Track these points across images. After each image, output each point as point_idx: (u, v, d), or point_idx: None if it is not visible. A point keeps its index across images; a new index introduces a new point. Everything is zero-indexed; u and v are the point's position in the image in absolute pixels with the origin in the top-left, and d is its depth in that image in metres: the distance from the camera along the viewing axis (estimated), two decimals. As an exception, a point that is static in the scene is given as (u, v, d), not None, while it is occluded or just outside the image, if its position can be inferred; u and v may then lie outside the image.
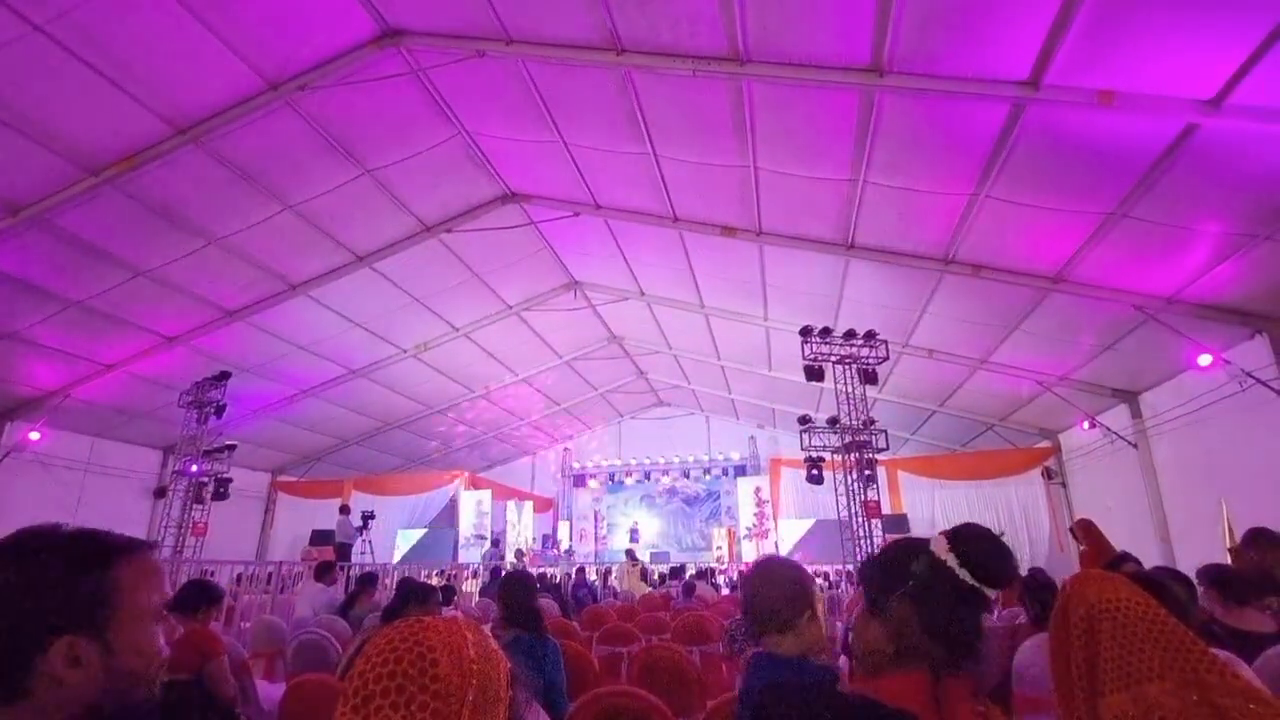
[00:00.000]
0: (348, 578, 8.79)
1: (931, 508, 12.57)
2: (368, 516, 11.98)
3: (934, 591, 1.08)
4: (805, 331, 8.78)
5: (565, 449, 18.91)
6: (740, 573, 11.61)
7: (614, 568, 13.26)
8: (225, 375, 9.58)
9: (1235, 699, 0.86)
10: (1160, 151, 4.85)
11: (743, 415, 17.13)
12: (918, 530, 12.21)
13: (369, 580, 5.84)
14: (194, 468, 9.79)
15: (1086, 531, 5.77)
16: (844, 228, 7.19)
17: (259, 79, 5.98)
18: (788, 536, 13.63)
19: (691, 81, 5.56)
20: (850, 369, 8.93)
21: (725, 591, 10.60)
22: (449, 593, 7.34)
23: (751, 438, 17.45)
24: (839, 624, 5.30)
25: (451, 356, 12.29)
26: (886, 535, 8.65)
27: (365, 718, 0.67)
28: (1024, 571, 3.25)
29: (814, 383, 8.76)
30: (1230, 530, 6.78)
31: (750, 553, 14.20)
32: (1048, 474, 11.66)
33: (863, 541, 8.69)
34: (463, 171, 8.09)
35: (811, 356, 8.70)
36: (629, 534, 17.01)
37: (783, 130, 6.01)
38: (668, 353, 13.88)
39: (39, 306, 7.68)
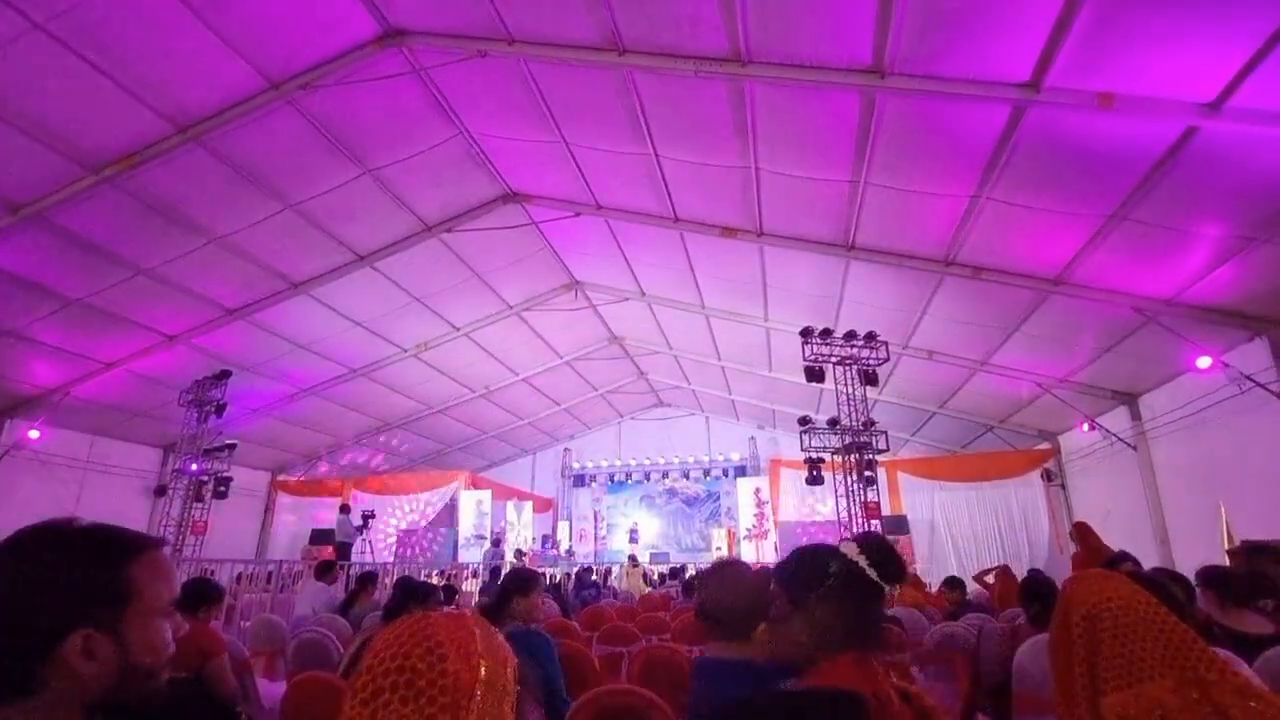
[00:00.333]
0: (348, 577, 8.79)
1: (931, 509, 12.55)
2: (368, 516, 11.98)
3: (850, 588, 1.25)
4: (806, 332, 8.79)
5: (565, 449, 18.89)
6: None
7: (614, 568, 13.24)
8: (225, 374, 9.59)
9: (1235, 697, 0.86)
10: (1160, 154, 4.86)
11: (743, 416, 17.11)
12: (918, 531, 12.25)
13: (369, 579, 5.85)
14: (194, 466, 9.81)
15: (1082, 534, 5.79)
16: (845, 229, 7.19)
17: (260, 78, 5.98)
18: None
19: (693, 82, 5.57)
20: (850, 370, 8.94)
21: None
22: (449, 592, 7.35)
23: (751, 438, 17.43)
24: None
25: (452, 356, 12.27)
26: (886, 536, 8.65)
27: (375, 712, 0.67)
28: (1023, 573, 3.26)
29: (814, 384, 8.77)
30: (1229, 532, 6.78)
31: (750, 553, 14.19)
32: (1047, 476, 11.66)
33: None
34: (464, 171, 8.09)
35: (812, 357, 8.71)
36: (629, 534, 16.99)
37: (784, 131, 6.01)
38: (668, 353, 13.87)
39: (39, 304, 7.68)
